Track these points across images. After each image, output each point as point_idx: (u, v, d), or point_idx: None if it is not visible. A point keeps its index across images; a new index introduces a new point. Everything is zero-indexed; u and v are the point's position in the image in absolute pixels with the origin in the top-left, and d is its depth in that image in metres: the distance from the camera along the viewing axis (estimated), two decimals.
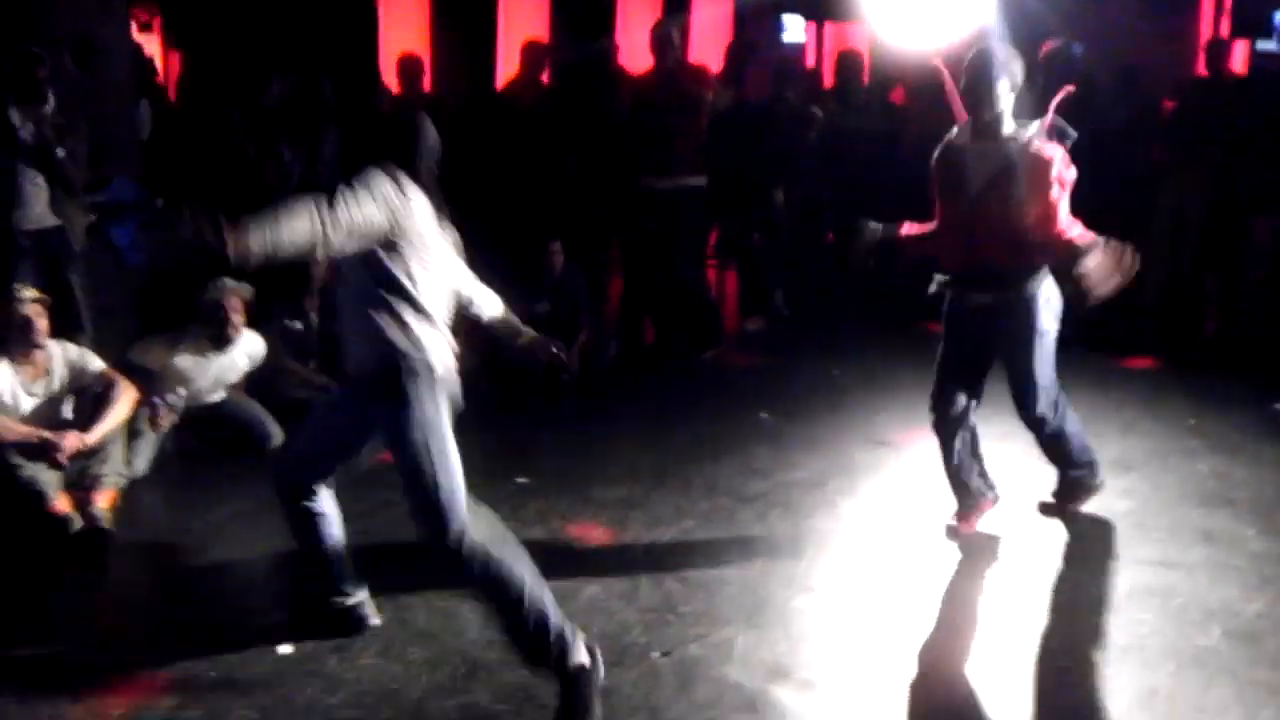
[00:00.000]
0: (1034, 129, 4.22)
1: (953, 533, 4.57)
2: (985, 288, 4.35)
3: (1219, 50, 8.22)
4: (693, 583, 4.18)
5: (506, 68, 8.73)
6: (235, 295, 5.46)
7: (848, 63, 8.59)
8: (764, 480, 5.24)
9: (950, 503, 4.64)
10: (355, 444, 3.69)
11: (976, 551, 4.47)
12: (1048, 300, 4.35)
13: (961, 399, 4.48)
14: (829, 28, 11.83)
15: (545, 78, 7.91)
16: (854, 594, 4.14)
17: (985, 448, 4.66)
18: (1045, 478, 4.94)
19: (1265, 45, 9.81)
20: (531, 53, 7.80)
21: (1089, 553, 4.42)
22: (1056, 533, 4.61)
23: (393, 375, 3.32)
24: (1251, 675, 3.54)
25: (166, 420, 5.39)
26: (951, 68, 4.40)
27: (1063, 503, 4.76)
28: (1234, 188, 7.48)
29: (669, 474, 5.24)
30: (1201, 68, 8.49)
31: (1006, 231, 4.22)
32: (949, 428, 4.52)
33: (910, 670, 3.61)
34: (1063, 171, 4.19)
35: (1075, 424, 4.62)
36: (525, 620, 3.27)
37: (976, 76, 4.20)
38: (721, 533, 4.66)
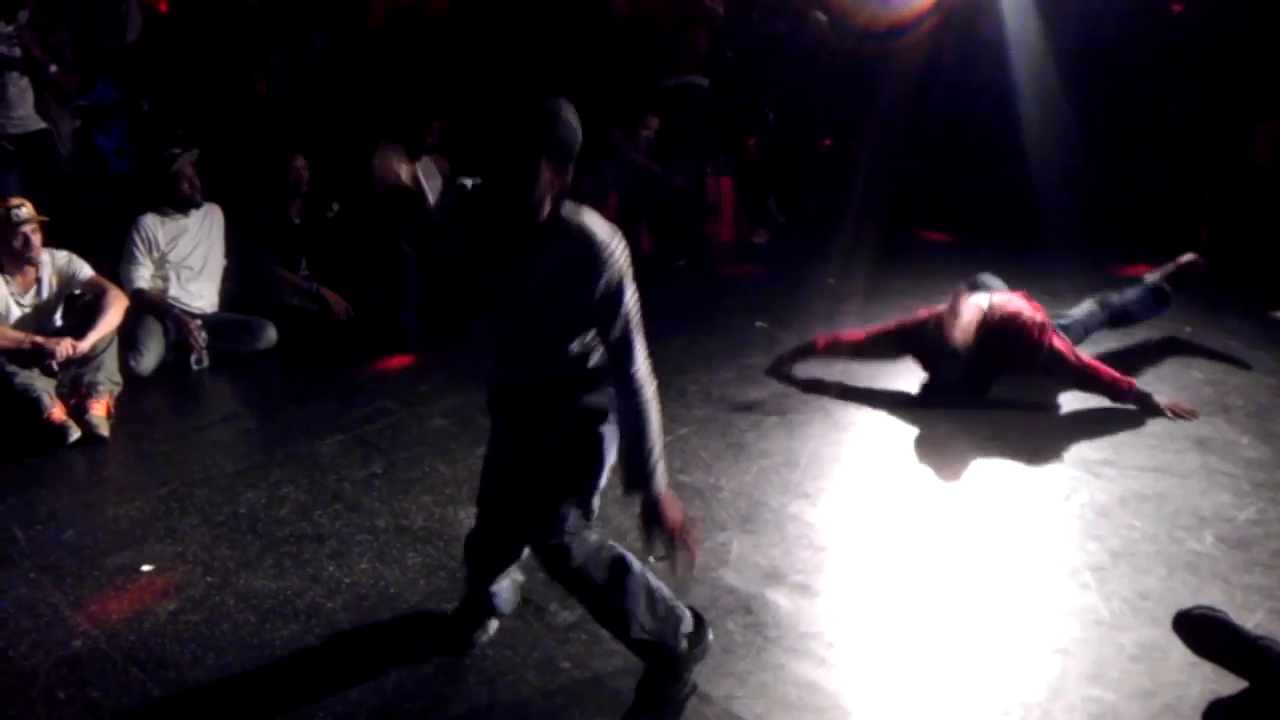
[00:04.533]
0: None
1: None
2: None
3: None
4: (688, 489, 4.19)
5: None
6: (188, 163, 5.82)
7: None
8: (760, 389, 5.23)
9: (947, 406, 4.65)
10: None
11: (970, 459, 4.48)
12: None
13: None
14: None
15: None
16: (848, 501, 4.15)
17: None
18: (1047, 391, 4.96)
19: None
20: None
21: (1082, 460, 4.43)
22: (1050, 439, 4.62)
23: None
24: (1243, 580, 3.56)
25: (198, 334, 5.65)
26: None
27: None
28: (1236, 93, 7.30)
29: (664, 383, 5.14)
30: None
31: None
32: None
33: (903, 575, 3.63)
34: None
35: None
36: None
37: None
38: (717, 440, 4.66)
